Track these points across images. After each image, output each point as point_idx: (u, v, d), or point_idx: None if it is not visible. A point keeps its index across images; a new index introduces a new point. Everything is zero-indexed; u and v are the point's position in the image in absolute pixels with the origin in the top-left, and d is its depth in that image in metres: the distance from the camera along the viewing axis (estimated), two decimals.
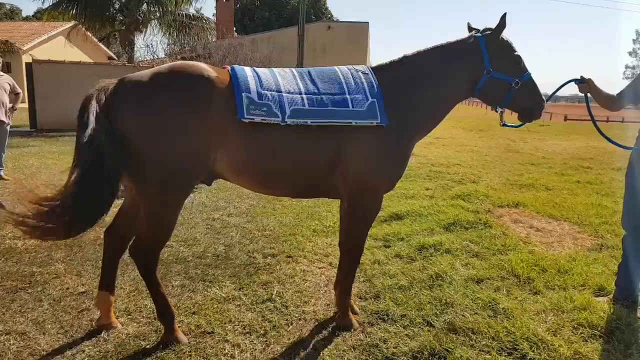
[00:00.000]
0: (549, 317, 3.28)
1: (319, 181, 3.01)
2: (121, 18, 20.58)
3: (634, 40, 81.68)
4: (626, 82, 3.74)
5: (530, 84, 3.18)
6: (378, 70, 3.14)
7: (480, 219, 5.58)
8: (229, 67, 2.98)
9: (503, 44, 3.15)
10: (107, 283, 3.16)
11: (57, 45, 27.17)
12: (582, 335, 3.08)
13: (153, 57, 13.83)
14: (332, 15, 40.50)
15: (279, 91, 2.83)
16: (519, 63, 3.17)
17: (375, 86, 2.98)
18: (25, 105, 15.67)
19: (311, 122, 2.80)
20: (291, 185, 3.04)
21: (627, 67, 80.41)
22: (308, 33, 16.81)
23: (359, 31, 20.05)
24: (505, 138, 16.51)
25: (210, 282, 3.95)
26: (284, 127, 2.77)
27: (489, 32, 3.14)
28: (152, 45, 16.61)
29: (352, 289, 3.52)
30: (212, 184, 3.22)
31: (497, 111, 3.34)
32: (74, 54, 23.82)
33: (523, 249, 4.69)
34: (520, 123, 3.43)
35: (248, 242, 4.91)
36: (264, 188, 3.12)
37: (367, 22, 22.00)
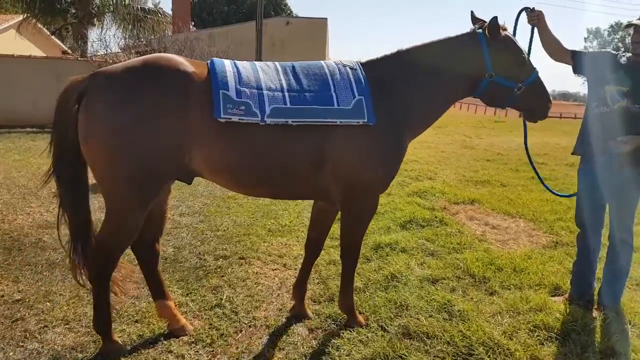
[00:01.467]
0: (505, 320, 3.22)
1: (302, 182, 2.83)
2: (73, 11, 19.76)
3: (585, 38, 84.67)
4: (578, 78, 3.73)
5: (536, 86, 3.02)
6: (368, 66, 2.95)
7: (436, 217, 5.54)
8: (208, 61, 2.77)
9: (507, 44, 2.96)
10: (157, 292, 3.12)
11: (8, 38, 25.91)
12: (539, 337, 3.03)
13: (106, 51, 13.31)
14: (291, 12, 40.09)
15: (259, 88, 2.65)
16: (524, 64, 2.99)
17: (363, 82, 2.80)
18: None
19: (292, 122, 2.63)
20: (272, 186, 2.87)
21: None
22: (267, 28, 16.57)
23: (317, 26, 19.91)
24: (462, 134, 16.75)
25: None
26: (263, 127, 2.60)
27: (490, 27, 2.91)
28: (105, 39, 16.03)
29: (307, 291, 3.40)
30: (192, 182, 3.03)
31: (500, 107, 3.25)
32: (26, 47, 22.77)
33: (479, 247, 4.67)
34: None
35: (199, 244, 4.70)
36: (243, 189, 2.95)
37: (326, 18, 21.88)
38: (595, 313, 3.41)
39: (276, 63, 2.92)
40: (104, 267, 2.75)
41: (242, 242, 4.76)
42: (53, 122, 2.68)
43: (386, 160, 2.89)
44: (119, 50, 13.41)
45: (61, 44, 26.83)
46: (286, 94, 2.69)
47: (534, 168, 3.77)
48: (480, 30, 2.98)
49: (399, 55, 3.02)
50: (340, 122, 2.69)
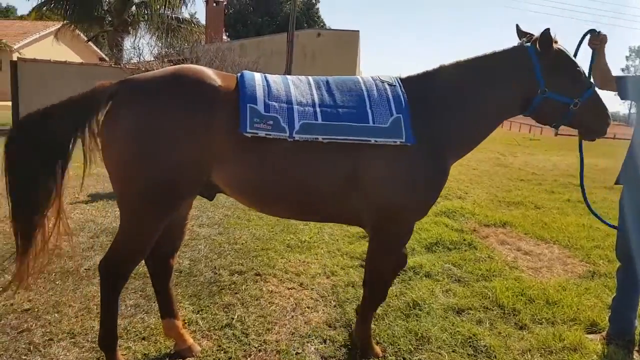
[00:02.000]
0: (536, 359, 2.96)
1: (331, 204, 2.66)
2: (109, 19, 20.26)
3: (627, 57, 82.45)
4: (618, 99, 3.45)
5: (593, 101, 2.79)
6: (408, 82, 2.75)
7: (464, 239, 5.27)
8: (238, 74, 2.66)
9: (560, 58, 2.75)
10: (166, 310, 2.98)
11: (48, 44, 26.79)
12: None
13: (139, 59, 13.50)
14: (324, 24, 40.28)
15: (289, 102, 2.50)
16: (580, 79, 2.78)
17: (402, 100, 2.60)
18: (9, 103, 15.34)
19: (323, 139, 2.46)
20: (299, 207, 2.72)
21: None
22: (298, 39, 16.58)
23: (349, 39, 19.89)
24: (495, 152, 16.31)
25: None
26: (291, 143, 2.45)
27: (542, 39, 2.69)
28: (138, 47, 16.29)
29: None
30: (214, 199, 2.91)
31: (552, 127, 2.96)
32: (65, 53, 23.43)
33: (509, 275, 4.38)
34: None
35: (216, 257, 4.56)
36: (268, 208, 2.81)
37: (358, 31, 21.80)
38: (636, 355, 3.10)
39: (309, 77, 2.77)
40: (118, 284, 2.63)
41: (260, 257, 4.60)
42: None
43: (425, 185, 2.66)
44: (152, 59, 13.57)
45: (99, 51, 27.56)
46: (318, 109, 2.53)
47: (583, 192, 3.45)
48: (529, 44, 2.76)
49: (442, 71, 2.81)
50: (376, 141, 2.50)
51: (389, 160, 2.55)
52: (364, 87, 2.66)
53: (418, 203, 2.70)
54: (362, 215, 2.68)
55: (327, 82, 2.70)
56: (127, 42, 19.89)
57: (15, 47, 25.70)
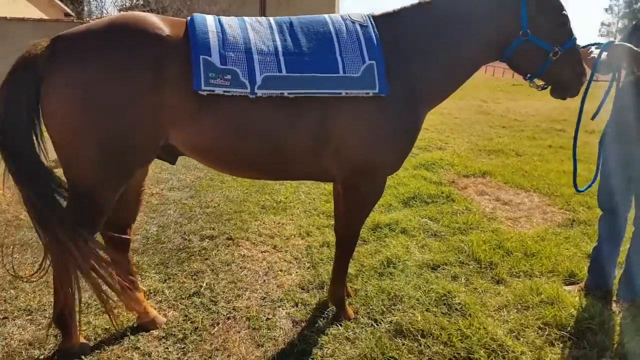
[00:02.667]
0: (512, 315, 2.87)
1: (300, 164, 2.47)
2: None
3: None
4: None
5: (572, 54, 2.54)
6: (382, 21, 2.47)
7: (442, 192, 5.15)
8: (188, 19, 2.37)
9: (546, 3, 2.50)
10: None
11: (7, 1, 25.44)
12: (549, 338, 2.68)
13: (101, 12, 12.82)
14: None
15: (249, 51, 2.24)
16: (565, 25, 2.53)
17: (375, 43, 2.36)
18: None
19: (288, 93, 2.24)
20: (265, 168, 2.52)
21: (602, 24, 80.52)
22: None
23: None
24: (477, 98, 16.12)
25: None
26: (253, 100, 2.22)
27: None
28: None
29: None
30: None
31: (526, 79, 2.71)
32: (27, 10, 22.28)
33: (487, 227, 4.28)
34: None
35: (186, 222, 4.39)
36: (231, 170, 2.64)
37: None
38: (614, 307, 3.04)
39: (270, 19, 2.48)
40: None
41: (232, 220, 4.44)
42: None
43: (399, 138, 2.49)
44: (118, 12, 12.91)
45: (64, 7, 26.35)
46: (281, 57, 2.28)
47: (574, 156, 3.05)
48: None
49: (420, 8, 2.55)
50: (347, 93, 2.29)
51: (360, 111, 2.36)
52: (332, 29, 2.40)
53: (392, 156, 2.54)
54: (333, 171, 2.52)
55: (291, 23, 2.43)
56: None
57: None
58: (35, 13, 21.07)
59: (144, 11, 11.96)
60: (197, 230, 4.20)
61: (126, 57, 2.16)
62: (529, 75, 2.67)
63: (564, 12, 2.53)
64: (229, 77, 2.20)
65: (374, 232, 4.10)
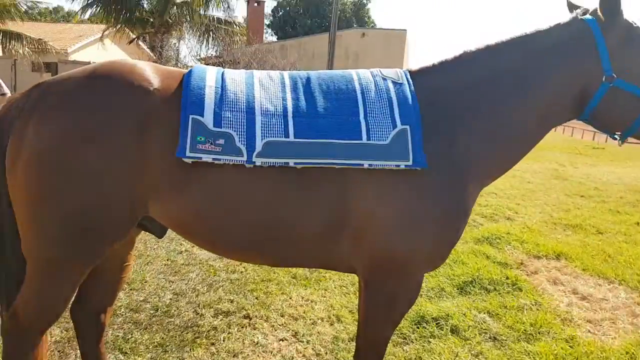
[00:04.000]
0: None
1: (310, 250, 1.95)
2: (151, 20, 20.29)
3: None
4: None
5: None
6: (420, 77, 2.01)
7: (508, 277, 4.34)
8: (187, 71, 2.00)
9: (632, 31, 1.90)
10: None
11: (96, 48, 27.25)
12: None
13: (177, 60, 13.20)
14: (375, 25, 39.37)
15: (250, 111, 1.81)
16: None
17: (411, 103, 1.88)
18: None
19: (295, 164, 1.77)
20: (266, 252, 2.01)
21: None
22: (341, 39, 15.86)
23: (395, 38, 19.00)
24: (553, 161, 14.96)
25: (126, 353, 2.96)
26: (251, 170, 1.78)
27: (606, 4, 1.88)
28: (177, 48, 16.09)
29: None
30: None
31: (614, 137, 2.08)
32: (116, 55, 23.73)
33: (560, 333, 3.43)
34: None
35: (205, 290, 3.88)
36: (226, 252, 2.13)
37: (405, 30, 20.74)
38: None
39: (285, 73, 2.04)
40: (19, 346, 1.99)
41: (256, 292, 3.89)
42: None
43: (440, 224, 1.90)
44: (193, 61, 13.25)
45: (149, 51, 27.87)
46: (290, 119, 1.81)
47: None
48: (587, 16, 1.95)
49: (466, 60, 2.02)
50: (370, 165, 1.78)
51: (387, 189, 1.83)
52: (357, 86, 1.92)
53: (429, 248, 1.92)
54: (351, 261, 1.95)
55: (308, 79, 1.97)
56: (169, 44, 19.81)
57: (70, 50, 26.22)
58: (125, 58, 22.38)
59: (217, 63, 12.17)
60: (214, 302, 3.67)
61: (104, 118, 1.76)
62: (619, 133, 2.02)
63: None
64: (221, 141, 1.75)
65: (418, 327, 3.39)
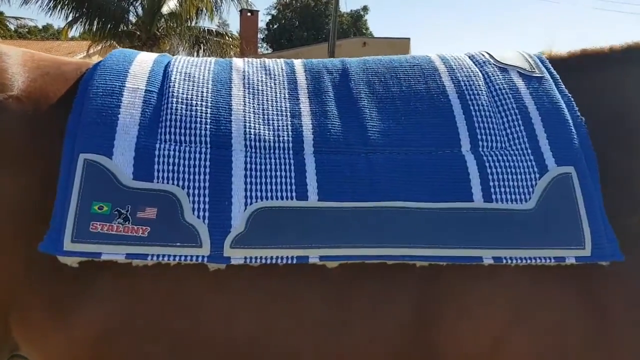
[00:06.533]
0: None
1: None
2: (138, 33, 19.65)
3: None
4: None
5: None
6: (576, 68, 1.08)
7: None
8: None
9: None
10: None
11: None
12: None
13: None
14: (373, 36, 38.97)
15: (222, 141, 0.95)
16: None
17: (569, 119, 0.95)
18: None
19: (322, 259, 0.88)
20: None
21: None
22: (341, 49, 15.09)
23: (398, 48, 18.46)
24: None
25: None
26: (220, 274, 0.89)
27: None
28: None
29: None
30: None
31: None
32: None
33: None
34: None
35: None
36: None
37: (408, 39, 20.00)
38: None
39: (295, 61, 1.24)
40: None
41: None
42: None
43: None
44: None
45: None
46: (309, 158, 0.93)
47: None
48: None
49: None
50: (499, 258, 0.86)
51: (531, 305, 0.91)
52: (449, 85, 1.03)
53: None
54: None
55: (346, 73, 1.14)
56: None
57: None
58: None
59: None
60: None
61: None
62: None
63: None
64: (151, 213, 0.84)
65: None
